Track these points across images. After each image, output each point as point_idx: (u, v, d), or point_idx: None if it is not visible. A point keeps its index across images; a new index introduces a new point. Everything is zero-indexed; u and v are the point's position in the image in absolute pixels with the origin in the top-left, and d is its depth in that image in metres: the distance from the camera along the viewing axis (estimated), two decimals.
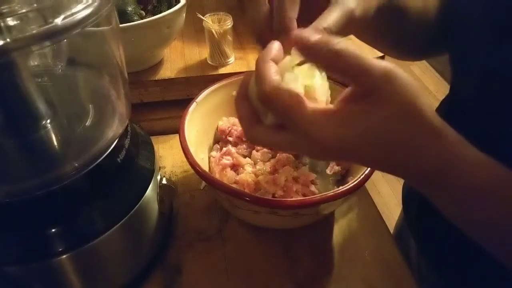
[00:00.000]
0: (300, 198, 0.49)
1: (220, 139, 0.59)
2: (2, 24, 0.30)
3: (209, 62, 0.73)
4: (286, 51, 0.34)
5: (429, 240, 0.58)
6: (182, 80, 0.70)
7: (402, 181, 0.82)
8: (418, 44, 0.55)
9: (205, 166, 0.52)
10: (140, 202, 0.45)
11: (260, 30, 0.38)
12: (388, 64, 0.30)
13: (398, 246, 0.59)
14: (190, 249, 0.52)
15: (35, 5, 0.32)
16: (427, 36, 0.53)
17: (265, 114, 0.33)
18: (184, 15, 0.69)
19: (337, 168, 0.53)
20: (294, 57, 0.32)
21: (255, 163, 0.54)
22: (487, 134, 0.45)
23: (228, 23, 0.69)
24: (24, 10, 0.31)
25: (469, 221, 0.37)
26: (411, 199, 0.63)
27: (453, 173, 0.33)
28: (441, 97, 0.57)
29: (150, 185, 0.46)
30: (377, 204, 0.59)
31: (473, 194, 0.34)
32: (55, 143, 0.42)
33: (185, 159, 0.48)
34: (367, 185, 0.52)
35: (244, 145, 0.57)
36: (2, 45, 0.29)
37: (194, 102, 0.56)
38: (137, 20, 0.65)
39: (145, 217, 0.47)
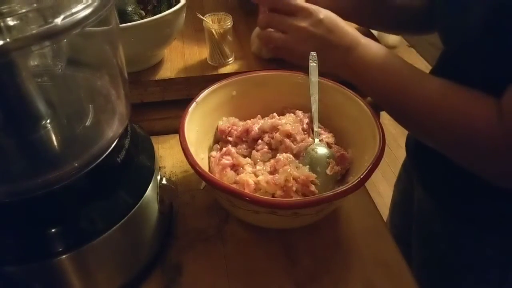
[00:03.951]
0: (300, 198, 0.49)
1: (220, 139, 0.59)
2: (2, 24, 0.30)
3: (209, 62, 0.73)
4: None
5: (428, 172, 0.67)
6: (182, 80, 0.70)
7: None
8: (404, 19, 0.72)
9: (205, 166, 0.52)
10: (140, 202, 0.45)
11: None
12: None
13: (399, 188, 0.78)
14: (190, 249, 0.52)
15: (35, 5, 0.32)
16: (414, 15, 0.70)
17: None
18: (184, 15, 0.69)
19: (337, 168, 0.53)
20: None
21: (255, 163, 0.54)
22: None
23: (228, 23, 0.69)
24: (24, 10, 0.31)
25: (379, 96, 0.57)
26: (413, 146, 0.71)
27: (356, 49, 0.57)
28: None
29: (150, 185, 0.46)
30: (377, 204, 0.59)
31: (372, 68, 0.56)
32: (55, 143, 0.43)
33: (185, 159, 0.48)
34: (367, 185, 0.52)
35: (244, 145, 0.57)
36: (2, 45, 0.29)
37: (194, 102, 0.56)
38: (137, 20, 0.65)
39: (145, 217, 0.47)
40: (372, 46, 0.57)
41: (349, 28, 0.59)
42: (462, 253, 0.63)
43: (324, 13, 0.59)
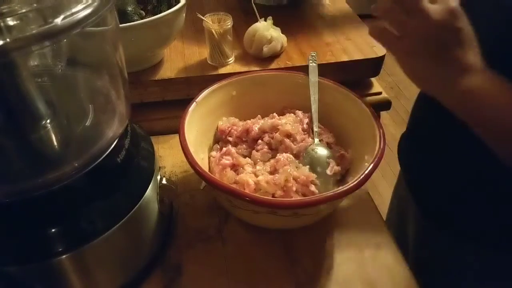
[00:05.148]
0: (300, 198, 0.49)
1: (220, 139, 0.59)
2: (2, 24, 0.30)
3: (209, 62, 0.73)
4: None
5: (417, 181, 0.67)
6: (182, 80, 0.70)
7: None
8: None
9: (205, 166, 0.52)
10: (140, 202, 0.45)
11: None
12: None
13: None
14: (190, 249, 0.52)
15: (35, 5, 0.32)
16: None
17: None
18: (184, 15, 0.69)
19: (337, 168, 0.53)
20: None
21: (255, 163, 0.54)
22: None
23: (228, 23, 0.69)
24: (24, 10, 0.31)
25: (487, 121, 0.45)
26: (407, 157, 0.72)
27: (475, 75, 0.44)
28: None
29: (150, 185, 0.46)
30: (377, 204, 0.59)
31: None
32: (55, 143, 0.42)
33: (185, 159, 0.48)
34: (367, 185, 0.52)
35: (244, 145, 0.57)
36: (2, 45, 0.29)
37: (194, 102, 0.56)
38: (137, 20, 0.65)
39: (145, 217, 0.47)
40: (491, 76, 0.44)
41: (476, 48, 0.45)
42: (461, 253, 0.63)
43: (465, 21, 0.43)
